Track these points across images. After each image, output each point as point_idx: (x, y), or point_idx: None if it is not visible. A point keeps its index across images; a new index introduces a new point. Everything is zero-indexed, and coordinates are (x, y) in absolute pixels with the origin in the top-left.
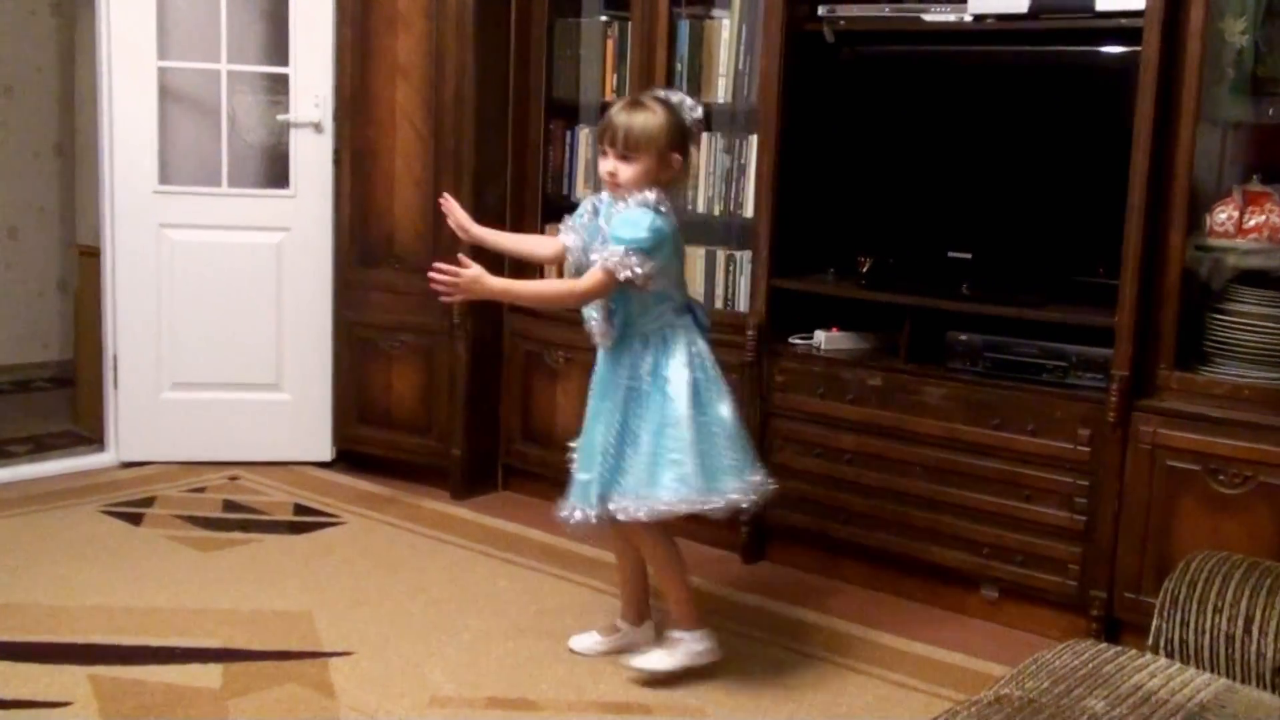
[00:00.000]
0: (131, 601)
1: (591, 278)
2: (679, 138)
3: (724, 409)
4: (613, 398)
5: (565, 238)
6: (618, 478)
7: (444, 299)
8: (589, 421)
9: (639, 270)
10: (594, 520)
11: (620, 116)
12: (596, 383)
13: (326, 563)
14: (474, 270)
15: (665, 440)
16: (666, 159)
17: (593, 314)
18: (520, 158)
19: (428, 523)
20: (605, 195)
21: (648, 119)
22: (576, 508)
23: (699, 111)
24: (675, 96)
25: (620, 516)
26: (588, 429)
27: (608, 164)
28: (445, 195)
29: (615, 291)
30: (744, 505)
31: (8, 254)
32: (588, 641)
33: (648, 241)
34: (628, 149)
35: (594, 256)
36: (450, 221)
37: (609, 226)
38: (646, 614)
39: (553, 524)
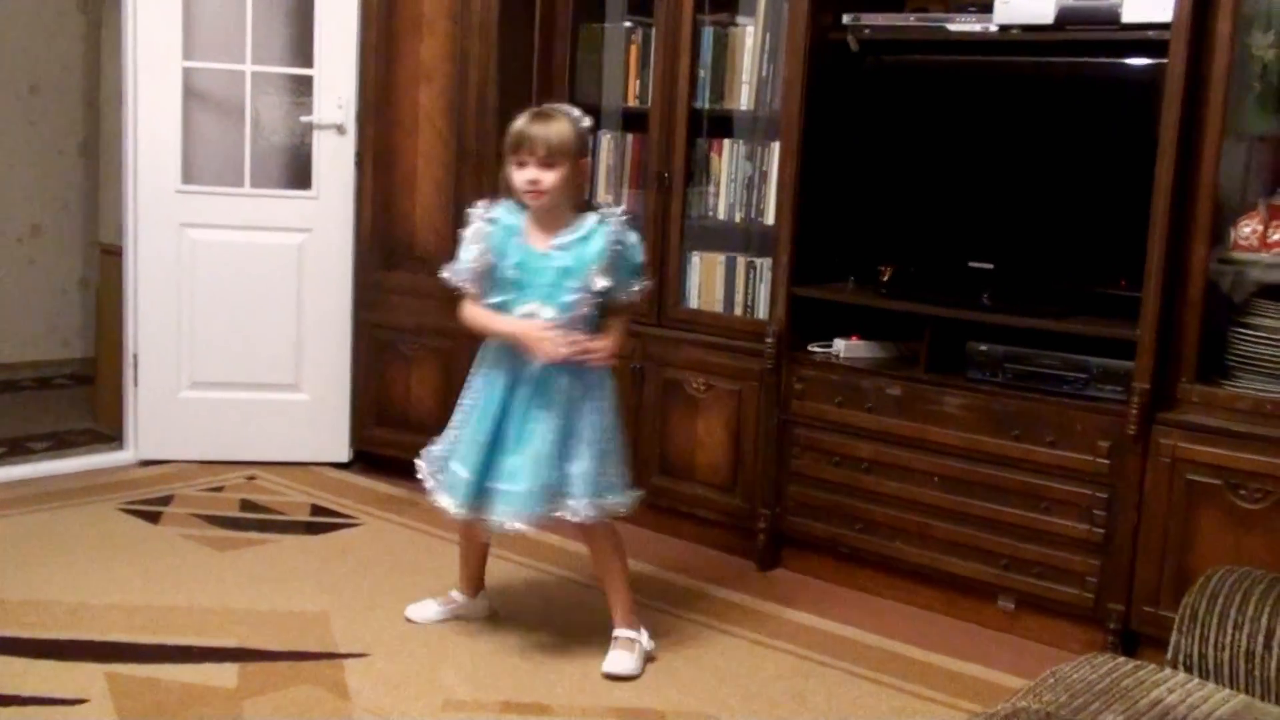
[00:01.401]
0: (148, 600)
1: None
2: (583, 145)
3: None
4: (543, 403)
5: (466, 278)
6: (564, 483)
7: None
8: (516, 430)
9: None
10: (534, 525)
11: (537, 128)
12: (512, 388)
13: (343, 564)
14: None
15: (609, 446)
16: (578, 165)
17: (565, 327)
18: None
19: (445, 526)
20: (501, 211)
21: (563, 127)
22: (515, 516)
23: (587, 122)
24: (566, 108)
25: (571, 518)
26: (518, 438)
27: (528, 173)
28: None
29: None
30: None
31: (31, 251)
32: (427, 611)
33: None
34: (551, 156)
35: (622, 295)
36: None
37: (615, 253)
38: (481, 587)
39: (569, 526)
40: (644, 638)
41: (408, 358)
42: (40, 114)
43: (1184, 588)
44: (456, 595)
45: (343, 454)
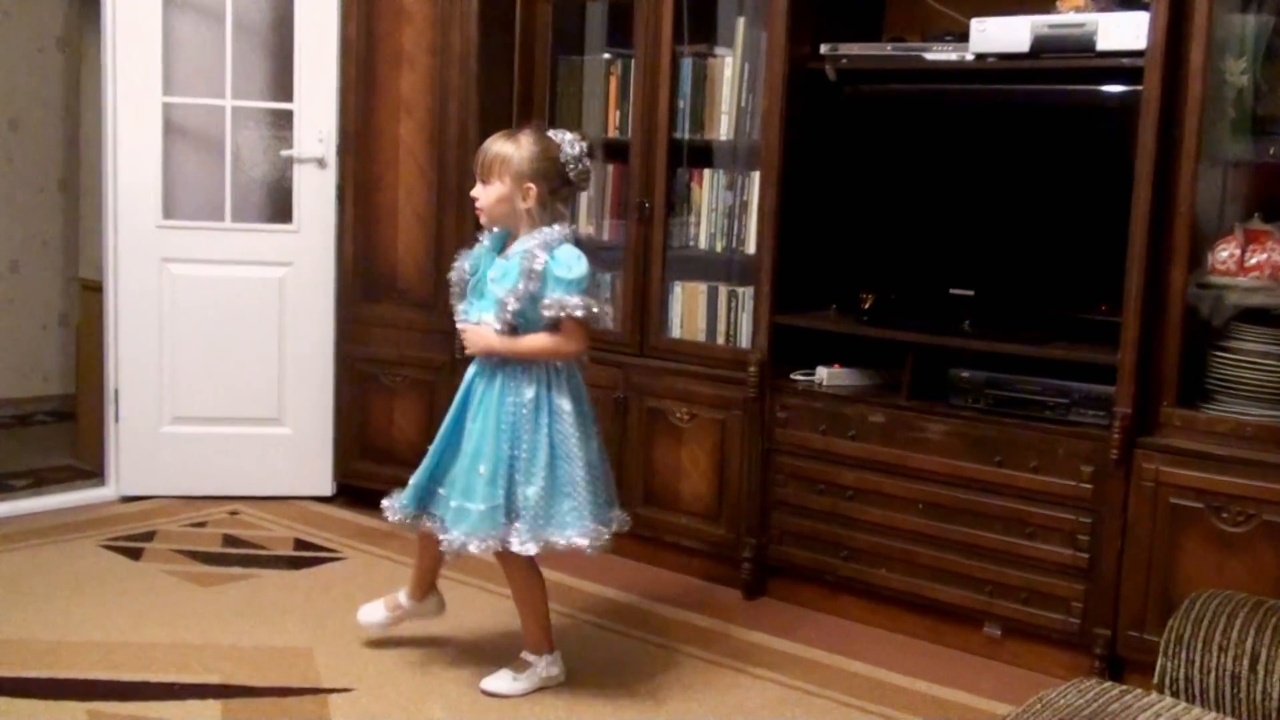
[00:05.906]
0: (130, 637)
1: (574, 333)
2: (541, 170)
3: (597, 444)
4: (492, 421)
5: (460, 262)
6: (506, 506)
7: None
8: (465, 441)
9: (596, 308)
10: (497, 550)
11: (485, 143)
12: (469, 401)
13: (326, 598)
14: (474, 326)
15: (558, 475)
16: (520, 187)
17: (493, 325)
18: None
19: None
20: (496, 231)
21: (505, 146)
22: (475, 539)
23: (578, 148)
24: (561, 135)
25: (515, 549)
26: (466, 450)
27: (474, 189)
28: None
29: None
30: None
31: (10, 288)
32: (376, 616)
33: (588, 276)
34: (484, 173)
35: (546, 311)
36: None
37: (542, 269)
38: (431, 590)
39: (554, 556)
40: (544, 664)
41: (390, 390)
42: (20, 151)
43: (1169, 612)
44: (404, 600)
45: (326, 487)
